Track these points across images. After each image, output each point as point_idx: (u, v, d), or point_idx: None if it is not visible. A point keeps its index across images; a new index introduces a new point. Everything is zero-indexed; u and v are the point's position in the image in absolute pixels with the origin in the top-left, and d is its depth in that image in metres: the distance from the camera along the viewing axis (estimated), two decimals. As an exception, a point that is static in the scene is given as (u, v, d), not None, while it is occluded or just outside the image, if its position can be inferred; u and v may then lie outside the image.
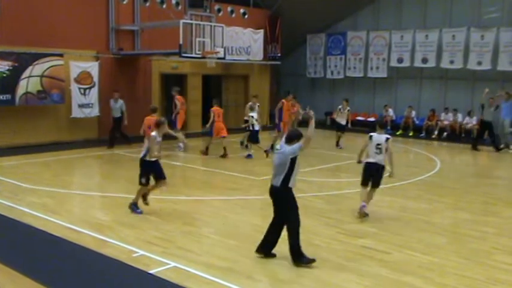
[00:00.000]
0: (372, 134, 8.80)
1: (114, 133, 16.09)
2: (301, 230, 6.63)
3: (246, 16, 22.59)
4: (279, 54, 23.42)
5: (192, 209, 9.34)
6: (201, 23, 16.78)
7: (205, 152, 15.04)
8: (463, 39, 20.00)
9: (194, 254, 6.88)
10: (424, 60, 21.14)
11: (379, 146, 8.52)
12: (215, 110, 14.96)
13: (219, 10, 21.11)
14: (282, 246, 7.24)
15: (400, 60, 21.89)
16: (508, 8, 19.50)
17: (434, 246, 7.41)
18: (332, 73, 24.17)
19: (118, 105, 15.97)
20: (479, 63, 19.68)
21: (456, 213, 9.36)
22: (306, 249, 7.13)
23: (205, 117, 21.95)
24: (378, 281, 6.07)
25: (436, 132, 20.36)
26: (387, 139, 8.58)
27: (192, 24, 16.32)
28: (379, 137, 8.64)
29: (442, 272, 6.38)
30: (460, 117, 20.38)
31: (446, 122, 20.45)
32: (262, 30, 22.25)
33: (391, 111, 22.12)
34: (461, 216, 9.16)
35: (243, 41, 21.22)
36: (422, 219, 8.81)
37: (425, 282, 6.08)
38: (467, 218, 9.08)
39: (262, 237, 6.79)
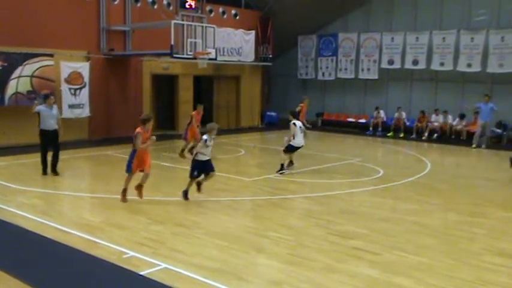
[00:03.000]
0: None
1: (46, 154, 11.84)
2: (291, 232, 6.62)
3: (238, 17, 22.62)
4: (271, 56, 23.47)
5: (183, 210, 9.32)
6: (193, 23, 16.78)
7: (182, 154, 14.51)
8: (453, 41, 20.16)
9: (185, 255, 6.86)
10: (415, 62, 21.28)
11: None
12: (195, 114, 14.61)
13: (210, 11, 21.12)
14: (274, 247, 7.25)
15: (390, 62, 22.01)
16: (497, 10, 19.67)
17: (424, 247, 7.45)
18: (323, 74, 24.25)
19: (55, 113, 11.78)
20: (469, 65, 19.84)
21: (446, 214, 9.42)
22: (297, 250, 7.16)
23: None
24: (368, 282, 6.10)
25: (426, 134, 20.48)
26: None
27: (183, 25, 16.32)
28: None
29: (432, 273, 6.42)
30: (450, 118, 20.52)
31: (436, 124, 20.58)
32: (253, 31, 22.29)
33: (382, 113, 22.23)
34: (450, 217, 9.22)
35: (234, 42, 21.24)
36: (412, 220, 8.86)
37: (415, 282, 6.11)
38: (456, 219, 9.15)
39: (253, 238, 6.78)
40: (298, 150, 12.88)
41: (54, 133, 11.69)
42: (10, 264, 6.46)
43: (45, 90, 15.28)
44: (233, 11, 22.48)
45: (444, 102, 21.00)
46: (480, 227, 8.54)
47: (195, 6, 17.21)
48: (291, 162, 12.94)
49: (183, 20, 16.64)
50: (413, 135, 20.72)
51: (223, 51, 20.64)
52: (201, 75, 21.03)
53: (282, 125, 24.00)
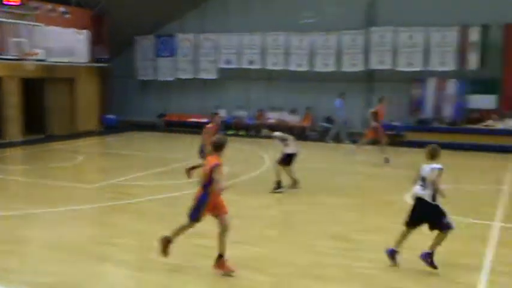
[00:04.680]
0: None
1: None
2: (139, 236, 6.40)
3: (68, 16, 21.27)
4: (107, 56, 22.56)
5: (12, 225, 8.48)
6: (17, 21, 15.38)
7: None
8: (284, 42, 21.51)
9: (16, 273, 6.26)
10: (251, 62, 22.21)
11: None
12: None
13: (35, 8, 19.49)
14: (121, 254, 6.98)
15: (228, 62, 22.67)
16: (322, 13, 21.33)
17: (266, 238, 7.80)
18: (163, 75, 24.07)
19: None
20: (300, 65, 21.35)
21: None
22: (146, 255, 6.97)
23: (26, 123, 20.20)
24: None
25: (264, 131, 21.57)
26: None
27: (5, 22, 14.87)
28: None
29: (273, 264, 6.75)
30: (284, 115, 21.93)
31: (272, 120, 21.82)
32: (86, 31, 21.18)
33: (222, 112, 22.77)
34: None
35: (65, 42, 19.96)
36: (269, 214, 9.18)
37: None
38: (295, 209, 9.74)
39: (97, 247, 6.43)
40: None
41: None
42: None
43: None
44: (61, 9, 21.04)
45: (278, 100, 22.26)
46: (315, 214, 9.23)
47: (20, 2, 15.78)
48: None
49: (3, 17, 15.14)
50: (253, 132, 21.65)
51: (54, 52, 19.27)
52: (29, 77, 19.34)
53: (122, 127, 23.28)
